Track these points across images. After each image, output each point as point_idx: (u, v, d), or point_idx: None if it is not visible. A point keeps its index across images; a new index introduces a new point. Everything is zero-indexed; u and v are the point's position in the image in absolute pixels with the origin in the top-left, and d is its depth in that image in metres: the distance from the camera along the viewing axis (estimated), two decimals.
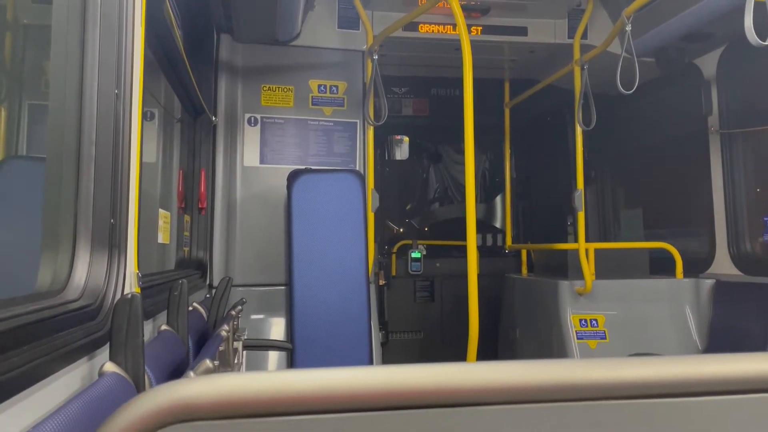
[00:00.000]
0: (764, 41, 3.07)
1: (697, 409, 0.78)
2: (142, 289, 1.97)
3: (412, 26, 5.06)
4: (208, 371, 1.78)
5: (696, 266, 5.20)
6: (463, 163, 3.80)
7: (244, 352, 3.87)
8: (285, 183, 4.70)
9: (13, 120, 3.00)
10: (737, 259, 4.88)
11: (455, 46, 5.05)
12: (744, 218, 4.90)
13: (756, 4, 3.09)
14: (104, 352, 1.60)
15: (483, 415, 0.75)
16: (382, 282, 5.74)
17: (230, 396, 0.68)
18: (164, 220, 3.84)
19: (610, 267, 5.20)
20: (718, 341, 4.86)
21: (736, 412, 0.79)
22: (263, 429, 0.69)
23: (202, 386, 0.68)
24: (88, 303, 1.60)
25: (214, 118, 4.85)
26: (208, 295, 4.50)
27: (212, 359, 1.87)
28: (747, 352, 0.86)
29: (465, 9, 4.78)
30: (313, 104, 5.15)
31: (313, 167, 4.88)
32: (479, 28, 5.25)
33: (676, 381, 0.78)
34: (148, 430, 0.67)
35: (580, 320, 4.99)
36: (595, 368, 0.78)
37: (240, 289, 4.75)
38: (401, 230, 7.94)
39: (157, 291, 2.64)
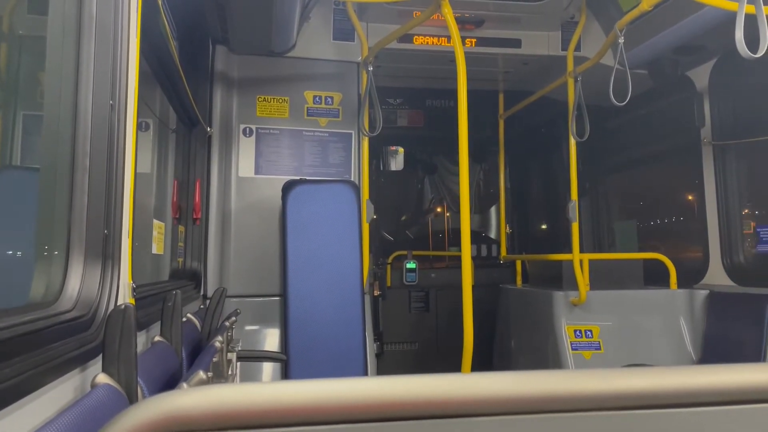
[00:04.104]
0: (755, 54, 3.10)
1: (692, 419, 0.78)
2: (136, 299, 1.97)
3: (407, 38, 5.09)
4: (202, 383, 1.77)
5: (690, 277, 5.21)
6: (457, 174, 3.80)
7: (238, 363, 3.85)
8: (280, 194, 4.69)
9: (7, 130, 2.99)
10: (731, 270, 4.90)
11: (450, 57, 5.08)
12: (737, 229, 4.92)
13: (747, 17, 3.12)
14: (97, 363, 1.60)
15: (478, 427, 0.75)
16: (377, 293, 5.73)
17: (223, 407, 0.68)
18: (158, 230, 3.83)
19: (604, 278, 5.21)
20: (712, 352, 4.87)
21: (731, 422, 0.79)
22: None
23: (195, 397, 0.68)
24: (81, 314, 1.59)
25: (209, 129, 4.86)
26: (202, 306, 4.48)
27: (206, 370, 1.86)
28: (741, 362, 0.86)
29: (459, 21, 4.82)
30: (308, 115, 5.16)
31: (308, 178, 4.88)
32: (473, 40, 5.29)
33: (671, 392, 0.78)
34: None
35: (575, 331, 4.99)
36: (589, 379, 0.78)
37: (234, 299, 4.73)
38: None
39: (151, 302, 2.63)
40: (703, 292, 5.03)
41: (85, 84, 1.74)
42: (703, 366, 0.83)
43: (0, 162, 2.82)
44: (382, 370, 5.92)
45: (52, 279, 1.64)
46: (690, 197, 5.64)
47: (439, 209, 8.49)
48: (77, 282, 1.63)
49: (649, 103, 5.70)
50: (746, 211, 5.02)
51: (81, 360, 1.55)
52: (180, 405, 0.67)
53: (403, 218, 8.54)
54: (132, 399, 1.52)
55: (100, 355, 1.56)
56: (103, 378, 1.45)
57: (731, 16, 3.23)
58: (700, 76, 5.13)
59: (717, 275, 5.00)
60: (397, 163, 7.88)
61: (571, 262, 5.06)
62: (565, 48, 5.36)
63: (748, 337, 4.49)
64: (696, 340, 5.02)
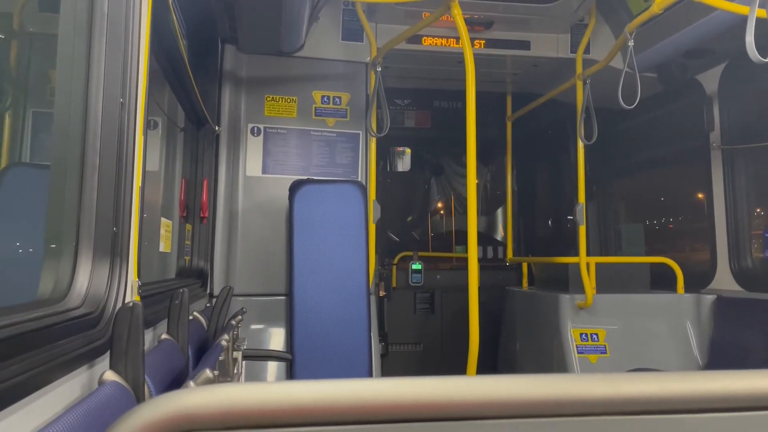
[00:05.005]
0: (765, 58, 3.08)
1: (699, 426, 0.78)
2: (143, 297, 1.97)
3: (416, 39, 5.08)
4: (209, 381, 1.78)
5: (697, 281, 5.19)
6: (464, 176, 3.80)
7: (244, 362, 3.86)
8: (287, 193, 4.70)
9: (17, 127, 3.01)
10: (738, 275, 4.88)
11: (458, 59, 5.07)
12: (745, 234, 4.90)
13: (757, 21, 3.10)
14: (104, 360, 1.60)
15: (483, 429, 0.75)
16: (382, 293, 5.73)
17: (232, 407, 0.68)
18: (166, 228, 3.84)
19: (611, 281, 5.19)
20: (718, 357, 4.84)
21: (738, 429, 0.79)
22: None
23: (204, 397, 0.68)
24: (89, 311, 1.60)
25: (217, 128, 4.87)
26: (208, 305, 4.49)
27: (212, 369, 1.87)
28: (748, 368, 0.86)
29: (468, 23, 4.81)
30: (316, 115, 5.17)
31: (315, 178, 4.89)
32: (482, 42, 5.28)
33: (678, 397, 0.78)
34: None
35: (581, 334, 4.98)
36: (596, 383, 0.78)
37: (240, 298, 4.74)
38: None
39: (158, 300, 2.64)
40: (711, 297, 5.01)
41: (96, 82, 1.75)
42: (711, 372, 0.83)
43: (11, 159, 2.83)
44: (387, 370, 5.92)
45: (60, 276, 1.65)
46: (698, 201, 5.62)
47: (444, 210, 8.48)
48: (86, 279, 1.64)
49: (657, 107, 5.68)
50: (759, 210, 5.00)
51: (89, 357, 1.55)
52: (189, 404, 0.68)
53: (409, 219, 8.54)
54: (139, 397, 1.52)
55: (108, 353, 1.57)
56: (110, 375, 1.46)
57: (742, 20, 3.22)
58: (710, 80, 5.11)
59: (724, 280, 4.97)
60: (404, 163, 7.88)
61: (577, 265, 5.05)
62: (574, 50, 5.35)
63: (755, 343, 4.47)
64: (702, 345, 5.00)
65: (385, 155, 7.73)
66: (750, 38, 3.06)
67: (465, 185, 3.76)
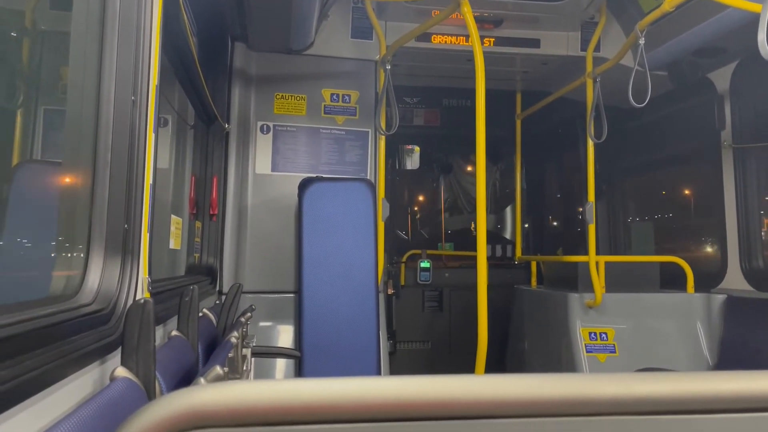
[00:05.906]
0: None
1: (710, 427, 0.78)
2: (154, 294, 1.98)
3: (425, 37, 5.08)
4: (219, 378, 1.79)
5: (707, 281, 5.16)
6: (473, 174, 3.80)
7: (253, 359, 3.88)
8: (296, 191, 4.71)
9: (29, 125, 3.03)
10: (749, 275, 4.84)
11: (467, 57, 5.07)
12: (756, 233, 4.87)
13: None
14: (116, 356, 1.61)
15: (492, 429, 0.75)
16: (390, 291, 5.73)
17: (243, 404, 0.69)
18: (176, 226, 3.86)
19: (620, 280, 5.17)
20: (729, 357, 4.82)
21: (749, 430, 0.79)
22: None
23: (216, 394, 0.69)
24: (100, 308, 1.61)
25: (226, 126, 4.88)
26: (217, 302, 4.51)
27: (222, 366, 1.88)
28: (759, 368, 0.85)
29: (478, 20, 4.80)
30: (325, 113, 5.18)
31: (324, 176, 4.90)
32: (492, 40, 5.27)
33: (689, 398, 0.77)
34: None
35: (590, 333, 4.96)
36: (606, 383, 0.78)
37: (249, 295, 4.76)
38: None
39: (168, 296, 2.66)
40: (721, 297, 4.98)
41: (108, 80, 1.76)
42: (723, 372, 0.82)
43: (22, 156, 2.85)
44: (395, 368, 5.93)
45: (72, 272, 1.66)
46: (708, 200, 5.58)
47: (453, 208, 8.47)
48: (97, 276, 1.65)
49: (668, 105, 5.65)
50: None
51: (100, 353, 1.56)
52: (201, 401, 0.68)
53: (418, 217, 8.54)
54: (150, 393, 1.53)
55: (119, 349, 1.58)
56: (121, 371, 1.47)
57: (754, 18, 3.20)
58: (721, 78, 5.08)
59: (735, 280, 4.94)
60: (412, 162, 7.87)
61: (586, 264, 5.03)
62: (584, 48, 5.33)
63: (766, 343, 4.44)
64: (713, 345, 4.97)
65: (393, 153, 7.73)
66: (762, 36, 3.04)
67: (474, 183, 3.76)
